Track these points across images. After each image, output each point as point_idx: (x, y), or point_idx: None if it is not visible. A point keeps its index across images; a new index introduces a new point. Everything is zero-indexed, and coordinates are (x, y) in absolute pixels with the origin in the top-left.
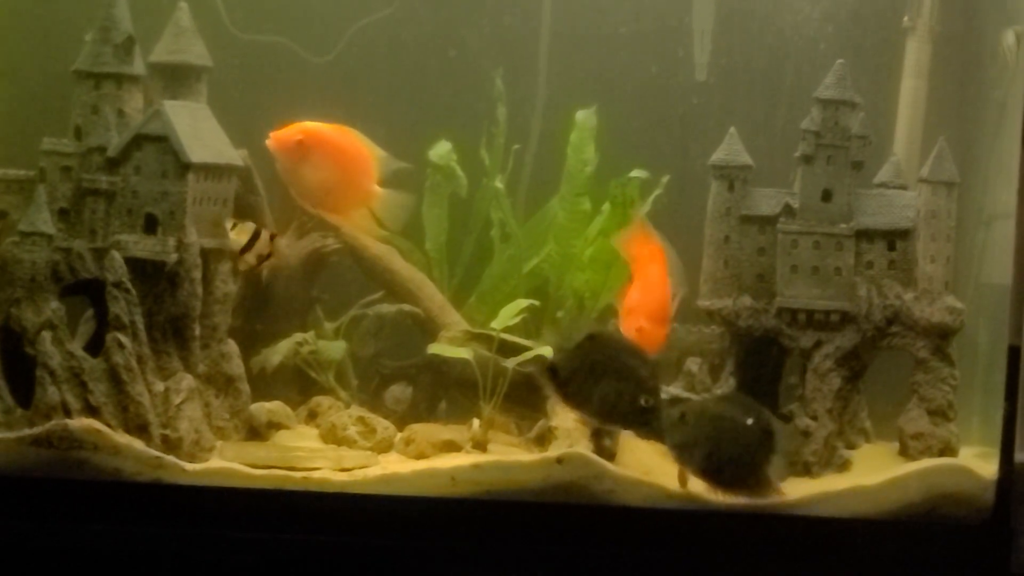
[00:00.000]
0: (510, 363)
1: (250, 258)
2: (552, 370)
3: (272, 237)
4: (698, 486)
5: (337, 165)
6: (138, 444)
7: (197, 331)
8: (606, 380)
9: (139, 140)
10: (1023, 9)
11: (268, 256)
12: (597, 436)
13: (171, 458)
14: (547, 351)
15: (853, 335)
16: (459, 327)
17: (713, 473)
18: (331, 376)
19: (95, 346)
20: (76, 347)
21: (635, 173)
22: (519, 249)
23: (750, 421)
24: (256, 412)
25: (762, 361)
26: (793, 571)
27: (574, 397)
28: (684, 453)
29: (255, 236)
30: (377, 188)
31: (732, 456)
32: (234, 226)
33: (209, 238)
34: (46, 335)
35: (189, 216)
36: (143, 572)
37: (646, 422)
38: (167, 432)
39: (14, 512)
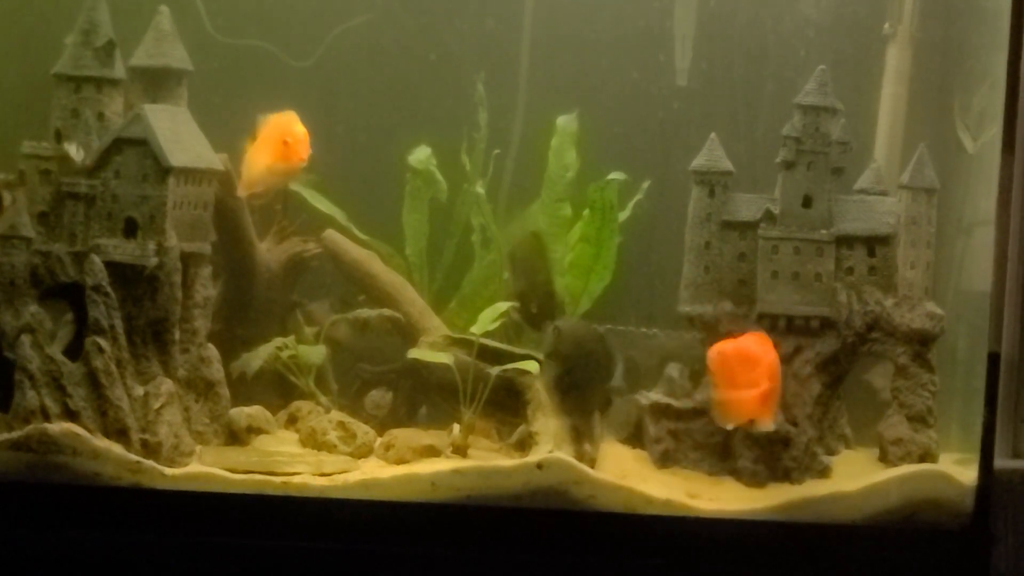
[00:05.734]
0: (494, 371)
1: None
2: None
3: None
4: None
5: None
6: (117, 448)
7: (177, 335)
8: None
9: (119, 144)
10: (1001, 16)
11: None
12: (577, 441)
13: (150, 463)
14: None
15: (833, 341)
16: (439, 332)
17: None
18: (311, 381)
19: (74, 350)
20: (55, 351)
21: (613, 175)
22: (500, 254)
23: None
24: (236, 416)
25: None
26: None
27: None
28: (548, 363)
29: None
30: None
31: (577, 371)
32: None
33: (189, 242)
34: (25, 339)
35: (169, 220)
36: None
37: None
38: (146, 436)
39: None
